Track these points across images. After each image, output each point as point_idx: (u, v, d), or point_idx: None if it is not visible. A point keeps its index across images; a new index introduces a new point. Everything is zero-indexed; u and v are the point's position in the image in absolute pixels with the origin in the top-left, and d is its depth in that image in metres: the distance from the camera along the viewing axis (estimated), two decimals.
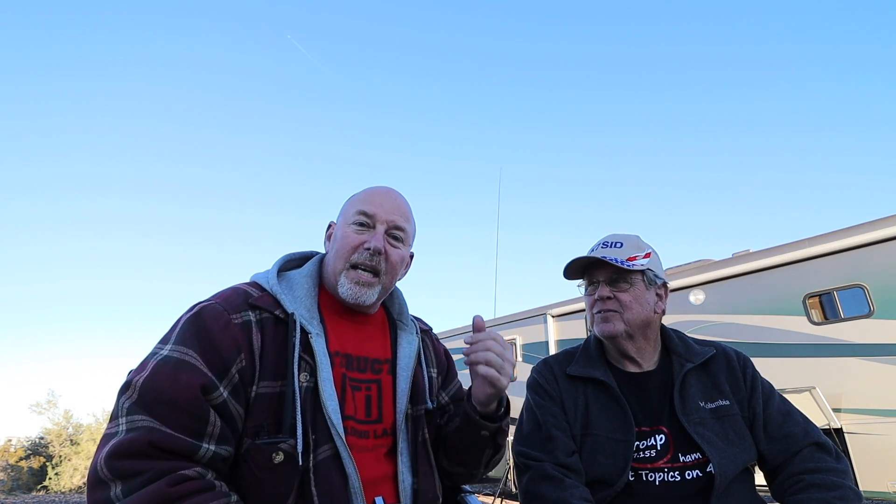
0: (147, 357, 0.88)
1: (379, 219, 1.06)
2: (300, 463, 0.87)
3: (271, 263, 1.09)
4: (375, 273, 1.05)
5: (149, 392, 0.82)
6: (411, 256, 1.20)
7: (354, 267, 1.04)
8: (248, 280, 1.06)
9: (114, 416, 0.83)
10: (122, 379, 0.87)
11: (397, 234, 1.09)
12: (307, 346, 0.95)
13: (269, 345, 0.93)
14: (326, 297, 1.09)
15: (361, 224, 1.06)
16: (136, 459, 0.77)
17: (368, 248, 1.03)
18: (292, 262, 1.14)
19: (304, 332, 0.96)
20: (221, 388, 0.86)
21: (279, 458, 0.86)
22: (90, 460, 0.84)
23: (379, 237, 1.05)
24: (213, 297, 0.97)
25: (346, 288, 1.03)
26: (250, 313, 0.95)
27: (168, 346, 0.88)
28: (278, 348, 0.94)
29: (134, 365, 0.89)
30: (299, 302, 1.01)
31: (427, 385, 1.14)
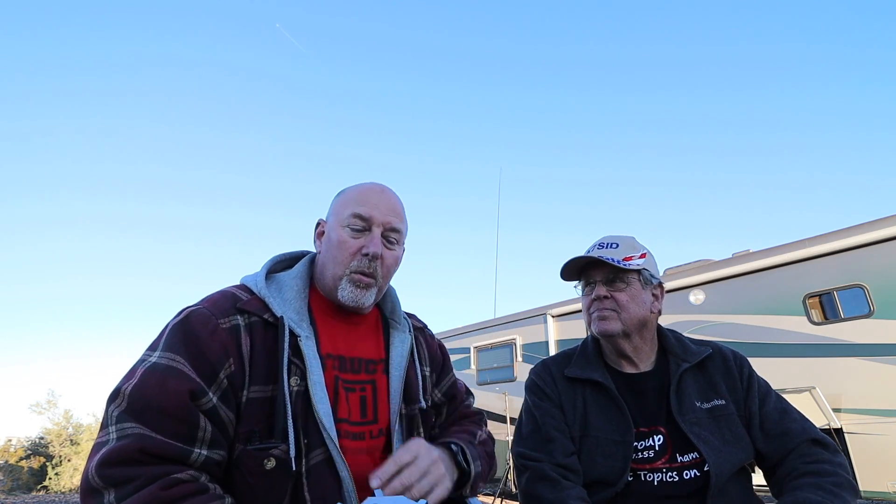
0: (135, 364, 0.87)
1: (375, 221, 1.04)
2: (293, 468, 0.87)
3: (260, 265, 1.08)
4: (373, 277, 1.04)
5: (138, 400, 0.81)
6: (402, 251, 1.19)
7: (354, 273, 1.02)
8: (238, 282, 1.05)
9: (104, 425, 0.82)
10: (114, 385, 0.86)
11: (393, 236, 1.07)
12: (297, 350, 0.94)
13: (258, 349, 0.92)
14: (317, 299, 1.07)
15: (357, 227, 1.03)
16: (127, 466, 0.76)
17: (367, 254, 1.01)
18: (282, 263, 1.12)
19: (294, 336, 0.95)
20: (210, 394, 0.85)
21: (271, 463, 0.86)
22: None
23: (377, 242, 1.02)
24: (202, 301, 0.96)
25: (348, 292, 1.01)
26: (238, 317, 0.93)
27: (156, 353, 0.87)
28: (268, 352, 0.93)
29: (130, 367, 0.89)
30: (288, 304, 0.99)
31: (420, 384, 1.13)
